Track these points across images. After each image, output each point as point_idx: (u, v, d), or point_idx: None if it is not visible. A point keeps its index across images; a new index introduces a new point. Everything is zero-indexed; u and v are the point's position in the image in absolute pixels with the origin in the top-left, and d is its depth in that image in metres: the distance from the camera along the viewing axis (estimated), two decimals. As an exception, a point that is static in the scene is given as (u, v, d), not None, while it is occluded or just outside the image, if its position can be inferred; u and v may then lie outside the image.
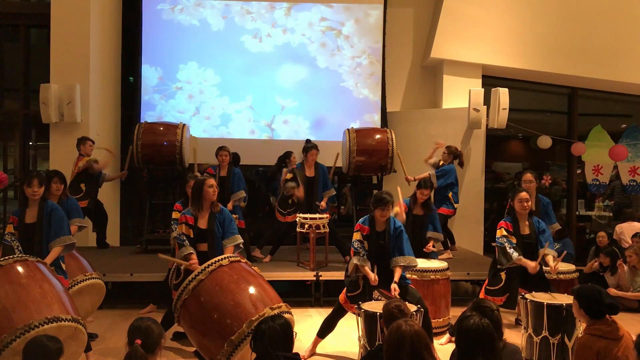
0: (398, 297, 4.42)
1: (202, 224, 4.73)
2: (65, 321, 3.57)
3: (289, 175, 7.18)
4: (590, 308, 3.32)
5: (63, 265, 4.53)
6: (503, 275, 5.05)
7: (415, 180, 7.56)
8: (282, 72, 9.43)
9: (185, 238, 4.63)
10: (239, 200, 7.08)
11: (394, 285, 4.53)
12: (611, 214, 10.59)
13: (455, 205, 7.63)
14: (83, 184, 7.33)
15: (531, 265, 4.85)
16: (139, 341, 2.74)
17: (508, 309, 5.08)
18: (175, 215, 5.44)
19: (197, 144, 8.52)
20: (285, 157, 7.91)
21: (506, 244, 4.97)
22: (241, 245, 4.75)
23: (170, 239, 5.41)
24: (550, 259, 4.90)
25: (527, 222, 5.08)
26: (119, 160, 9.20)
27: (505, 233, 5.03)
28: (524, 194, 5.05)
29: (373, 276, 4.57)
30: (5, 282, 3.65)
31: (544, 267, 5.03)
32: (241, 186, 7.12)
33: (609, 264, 7.00)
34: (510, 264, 4.94)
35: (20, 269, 3.78)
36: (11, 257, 3.87)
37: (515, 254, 4.90)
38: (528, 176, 5.95)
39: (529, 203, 5.05)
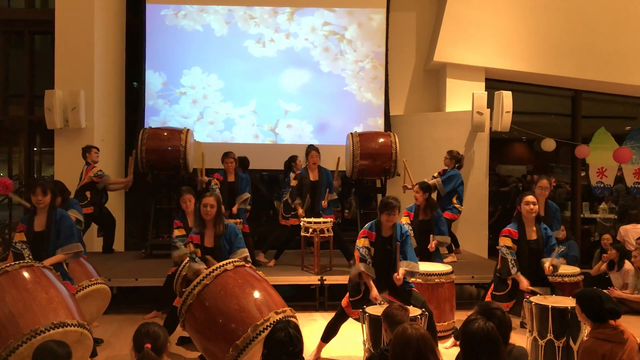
0: (401, 278, 4.54)
1: (208, 242, 4.65)
2: (71, 326, 3.58)
3: (293, 183, 7.19)
4: (592, 312, 3.32)
5: (67, 271, 4.53)
6: (509, 281, 5.02)
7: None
8: (285, 77, 9.45)
9: (195, 256, 4.55)
10: (244, 203, 7.09)
11: (396, 275, 4.57)
12: (616, 216, 10.57)
13: (460, 209, 7.61)
14: (89, 192, 7.41)
15: (524, 283, 4.84)
16: (148, 345, 2.75)
17: (515, 315, 5.05)
18: (178, 232, 5.46)
19: (201, 148, 8.54)
20: (291, 161, 7.93)
21: (508, 256, 4.94)
22: (248, 259, 4.70)
23: (172, 257, 5.42)
24: (546, 264, 4.90)
25: (534, 228, 5.03)
26: (124, 169, 9.25)
27: (509, 244, 4.97)
28: (530, 197, 5.00)
29: (375, 293, 4.56)
30: (12, 287, 3.67)
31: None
32: (247, 189, 7.14)
33: (616, 256, 6.95)
34: (509, 277, 4.94)
35: (26, 274, 3.80)
36: (17, 262, 3.89)
37: (513, 270, 4.89)
38: (544, 182, 5.81)
39: (536, 206, 5.00)
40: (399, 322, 3.19)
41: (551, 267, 4.88)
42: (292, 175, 7.69)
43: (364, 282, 4.71)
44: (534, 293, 4.84)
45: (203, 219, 4.64)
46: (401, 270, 4.62)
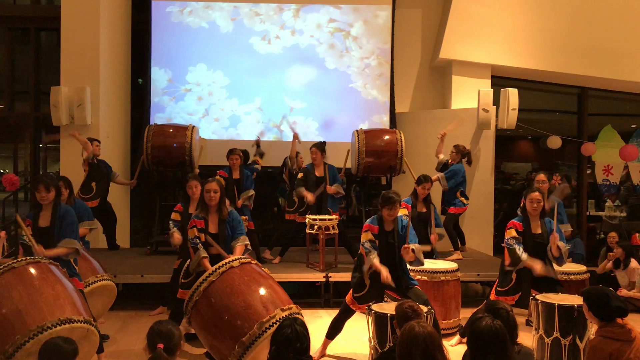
0: (412, 252, 4.50)
1: (212, 228, 4.65)
2: (77, 322, 3.58)
3: (299, 175, 7.18)
4: (599, 310, 3.31)
5: (76, 268, 4.54)
6: (513, 275, 5.02)
7: None
8: (290, 74, 9.44)
9: (198, 241, 4.60)
10: (248, 199, 7.08)
11: (406, 247, 4.55)
12: (623, 214, 10.53)
13: (466, 202, 7.59)
14: (94, 182, 7.41)
15: (537, 266, 4.82)
16: (161, 345, 2.74)
17: (520, 308, 5.05)
18: (174, 215, 5.43)
19: (205, 144, 8.55)
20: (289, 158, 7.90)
21: (515, 246, 4.94)
22: (249, 247, 4.72)
23: (171, 240, 5.36)
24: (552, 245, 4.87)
25: (538, 222, 5.04)
26: (129, 165, 9.27)
27: (515, 234, 4.99)
28: (535, 195, 5.00)
29: (385, 273, 4.53)
30: (19, 283, 3.67)
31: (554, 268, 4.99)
32: (252, 186, 7.14)
33: (622, 255, 6.94)
34: (519, 266, 4.92)
35: (33, 270, 3.80)
36: (24, 258, 3.89)
37: (524, 255, 4.87)
38: (541, 176, 5.94)
39: (540, 204, 5.00)
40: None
41: (558, 249, 4.84)
42: (285, 170, 7.67)
43: (369, 276, 4.70)
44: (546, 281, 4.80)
45: (207, 204, 4.65)
46: (414, 245, 4.59)
